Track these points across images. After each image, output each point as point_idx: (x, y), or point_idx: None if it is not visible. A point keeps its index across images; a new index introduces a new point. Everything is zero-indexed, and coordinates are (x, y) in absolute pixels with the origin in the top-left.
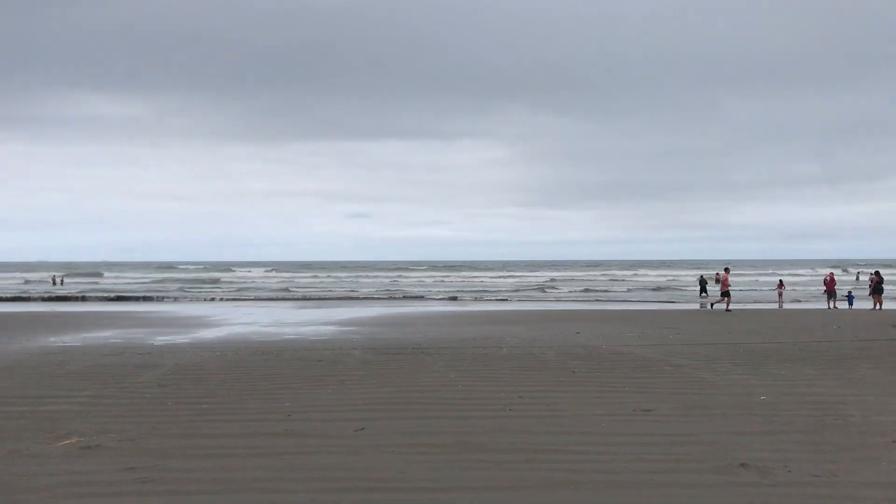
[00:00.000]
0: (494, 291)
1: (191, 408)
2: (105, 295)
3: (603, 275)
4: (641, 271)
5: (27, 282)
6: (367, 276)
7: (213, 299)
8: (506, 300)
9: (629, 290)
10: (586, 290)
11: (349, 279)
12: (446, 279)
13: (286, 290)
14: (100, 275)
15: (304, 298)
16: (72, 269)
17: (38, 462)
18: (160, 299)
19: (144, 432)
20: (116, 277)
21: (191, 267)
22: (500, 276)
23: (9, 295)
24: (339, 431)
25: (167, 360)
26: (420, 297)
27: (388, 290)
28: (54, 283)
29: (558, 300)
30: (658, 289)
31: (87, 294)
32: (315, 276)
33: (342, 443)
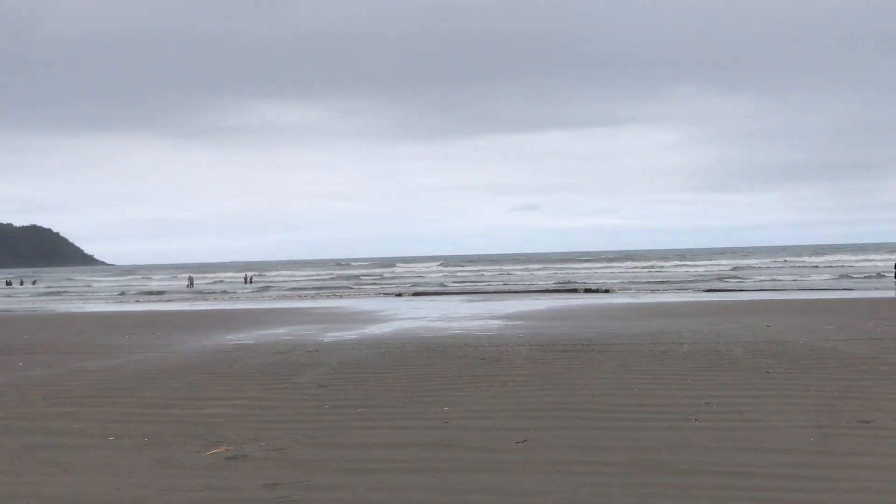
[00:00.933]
0: (669, 282)
1: (347, 412)
2: (276, 294)
3: (785, 261)
4: (834, 257)
5: (220, 281)
6: (535, 269)
7: (384, 294)
8: (683, 290)
9: (826, 278)
10: (773, 279)
11: (517, 271)
12: (616, 269)
13: (453, 283)
14: (281, 272)
15: (472, 292)
16: (258, 268)
17: (182, 474)
18: (336, 295)
19: (294, 441)
20: (290, 275)
21: (364, 262)
22: (675, 265)
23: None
24: (498, 443)
25: (332, 357)
26: (589, 289)
27: (557, 281)
28: (246, 282)
29: (741, 290)
30: (849, 276)
31: (270, 291)
32: (483, 269)
33: (501, 457)
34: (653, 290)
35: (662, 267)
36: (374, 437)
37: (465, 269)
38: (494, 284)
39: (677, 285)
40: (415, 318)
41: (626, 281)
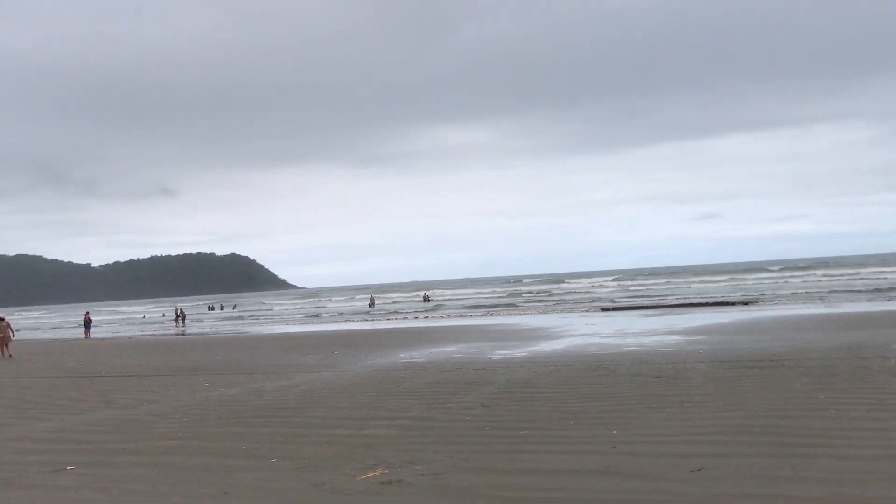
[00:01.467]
0: (868, 290)
1: (509, 434)
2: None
3: None
4: None
5: (398, 301)
6: (717, 280)
7: (556, 310)
8: (892, 300)
9: None
10: None
11: (698, 283)
12: (810, 278)
13: (626, 298)
14: (457, 291)
15: (649, 307)
16: (433, 287)
17: (335, 500)
18: (508, 312)
19: (452, 465)
20: (463, 293)
21: (534, 279)
22: (875, 272)
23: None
24: (670, 471)
25: (499, 376)
26: (779, 301)
27: (743, 293)
28: (424, 301)
29: None
30: None
31: (444, 309)
32: (659, 283)
33: (672, 488)
34: (850, 301)
35: (858, 273)
36: (534, 462)
37: (639, 283)
38: (672, 298)
39: (881, 294)
40: (587, 335)
41: (819, 290)
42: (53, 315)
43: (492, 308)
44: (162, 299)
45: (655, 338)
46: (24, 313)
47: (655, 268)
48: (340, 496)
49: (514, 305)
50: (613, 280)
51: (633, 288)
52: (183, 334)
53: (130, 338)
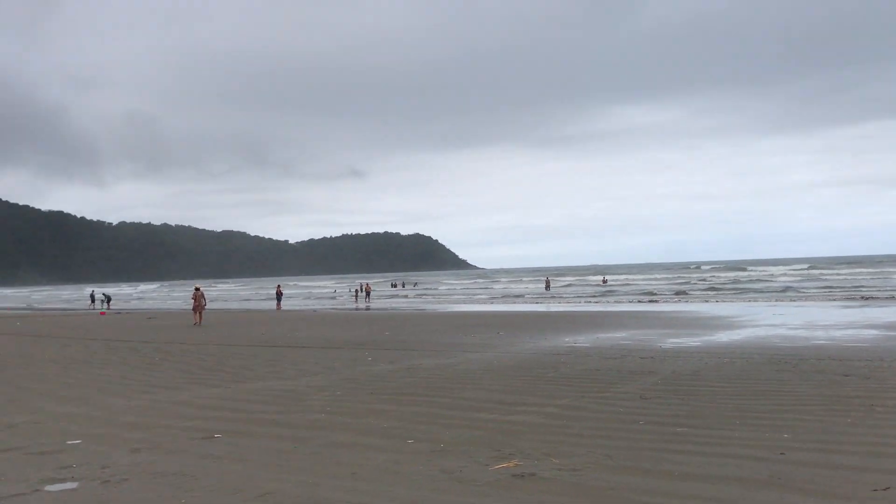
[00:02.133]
0: None
1: (663, 430)
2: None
3: None
4: None
5: (570, 284)
6: None
7: (737, 298)
8: None
9: None
10: None
11: None
12: None
13: (816, 288)
14: (634, 276)
15: (858, 298)
16: (611, 271)
17: (459, 490)
18: (687, 299)
19: (593, 461)
20: (642, 278)
21: (718, 265)
22: None
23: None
24: (847, 487)
25: (665, 366)
26: None
27: None
28: (603, 284)
29: None
30: None
31: (618, 293)
32: (863, 272)
33: None
34: None
35: None
36: (685, 465)
37: (835, 272)
38: (872, 290)
39: None
40: (772, 325)
41: None
42: (246, 287)
43: (669, 294)
44: (350, 275)
45: (850, 331)
46: (218, 285)
47: (855, 256)
48: (466, 486)
49: (691, 293)
50: (808, 268)
51: (828, 277)
52: (367, 309)
53: (315, 311)
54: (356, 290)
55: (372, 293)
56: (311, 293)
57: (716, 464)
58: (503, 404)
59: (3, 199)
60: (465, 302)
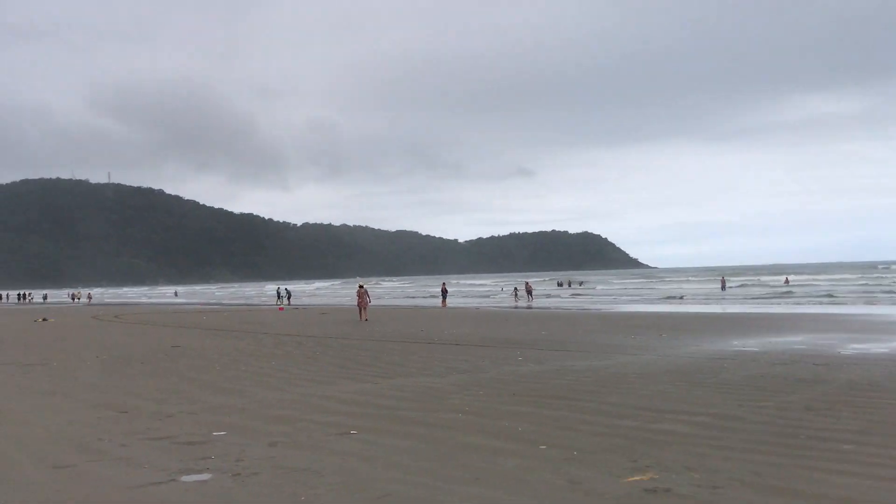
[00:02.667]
0: None
1: (827, 447)
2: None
3: None
4: None
5: (745, 284)
6: None
7: None
8: None
9: None
10: None
11: None
12: None
13: None
14: (816, 276)
15: None
16: (794, 271)
17: (583, 502)
18: (877, 301)
19: (738, 478)
20: (825, 278)
21: None
22: None
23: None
24: None
25: (841, 374)
26: None
27: None
28: (786, 283)
29: None
30: None
31: (795, 295)
32: None
33: None
34: None
35: None
36: (847, 489)
37: None
38: None
39: None
40: None
41: None
42: (412, 284)
43: (855, 295)
44: (515, 274)
45: None
46: (384, 283)
47: None
48: (593, 499)
49: (880, 294)
50: None
51: None
52: (529, 308)
53: (478, 308)
54: (515, 289)
55: (535, 292)
56: (476, 291)
57: (883, 490)
58: (650, 411)
59: (202, 202)
60: (631, 301)
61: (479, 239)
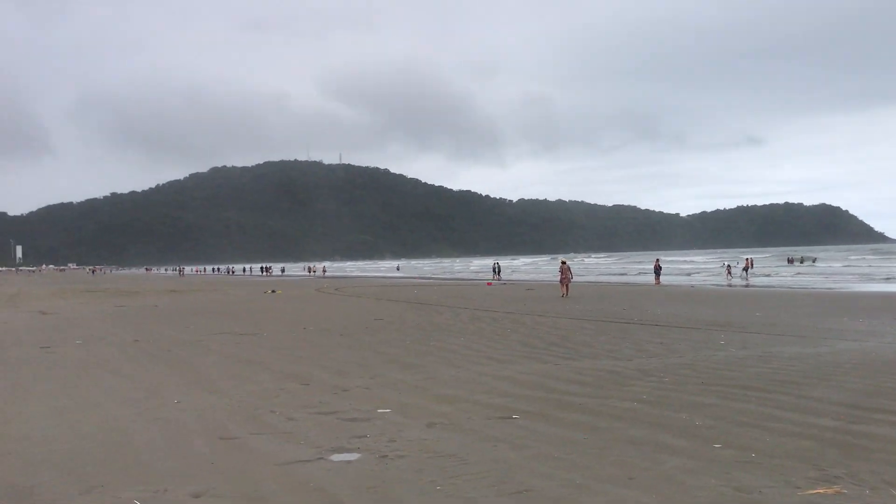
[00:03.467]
0: None
1: None
2: None
3: None
4: None
5: None
6: None
7: None
8: None
9: None
10: None
11: None
12: None
13: None
14: None
15: None
16: None
17: None
18: None
19: None
20: None
21: None
22: None
23: None
24: None
25: None
26: None
27: None
28: None
29: None
30: None
31: None
32: None
33: None
34: None
35: None
36: None
37: None
38: None
39: None
40: None
41: None
42: (623, 260)
43: None
44: (743, 250)
45: None
46: (584, 259)
47: None
48: None
49: None
50: None
51: None
52: (747, 286)
53: (692, 286)
54: (728, 266)
55: (752, 269)
56: (694, 268)
57: None
58: (857, 409)
59: (423, 180)
60: (865, 281)
61: (703, 213)
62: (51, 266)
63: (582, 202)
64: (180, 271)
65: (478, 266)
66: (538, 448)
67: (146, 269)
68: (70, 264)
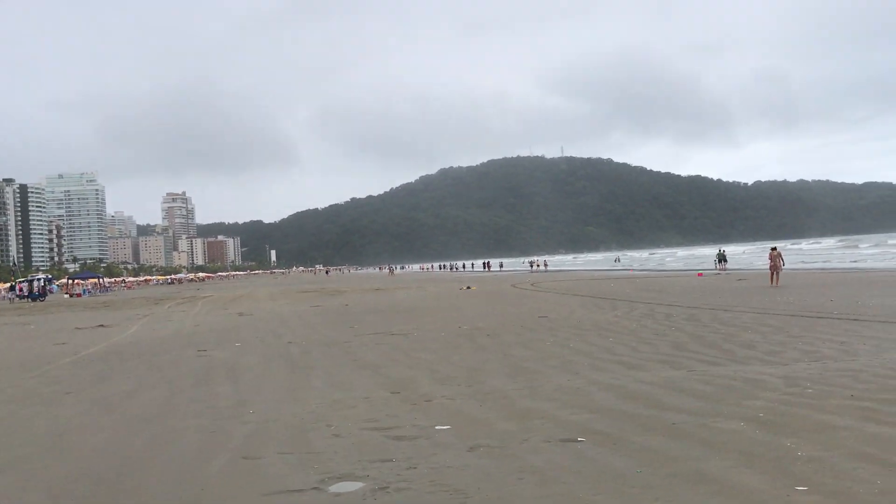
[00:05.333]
0: None
1: None
2: None
3: None
4: None
5: None
6: None
7: None
8: None
9: None
10: None
11: None
12: None
13: None
14: None
15: None
16: None
17: None
18: None
19: None
20: None
21: None
22: None
23: None
24: None
25: None
26: None
27: None
28: None
29: None
30: None
31: None
32: None
33: None
34: None
35: None
36: None
37: None
38: None
39: None
40: None
41: None
42: (851, 245)
43: None
44: None
45: None
46: (793, 245)
47: None
48: None
49: None
50: None
51: None
52: None
53: None
54: None
55: None
56: None
57: None
58: None
59: (649, 168)
60: None
61: None
62: (300, 267)
63: (827, 181)
64: (390, 270)
65: (701, 256)
66: (570, 485)
67: (379, 269)
68: (317, 265)
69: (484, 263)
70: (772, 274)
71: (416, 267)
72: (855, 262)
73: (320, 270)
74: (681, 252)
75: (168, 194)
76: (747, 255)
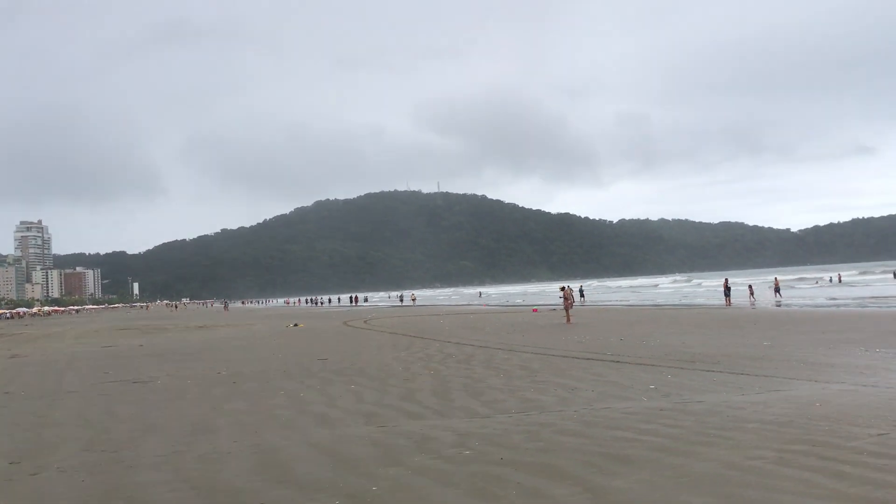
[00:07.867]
0: None
1: None
2: None
3: None
4: None
5: None
6: None
7: None
8: None
9: None
10: None
11: None
12: None
13: None
14: None
15: None
16: None
17: None
18: None
19: None
20: None
21: None
22: None
23: None
24: None
25: None
26: None
27: None
28: None
29: None
30: None
31: None
32: None
33: None
34: None
35: None
36: None
37: None
38: None
39: None
40: None
41: None
42: (708, 280)
43: None
44: (859, 264)
45: None
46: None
47: None
48: None
49: None
50: None
51: None
52: (779, 305)
53: (754, 307)
54: (749, 287)
55: (779, 289)
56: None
57: None
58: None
59: (520, 205)
60: None
61: (816, 227)
62: (164, 301)
63: (686, 220)
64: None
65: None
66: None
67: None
68: (184, 299)
69: (351, 297)
70: (565, 310)
71: (280, 301)
72: (686, 298)
73: (182, 305)
74: (550, 287)
75: (22, 222)
76: (608, 292)
